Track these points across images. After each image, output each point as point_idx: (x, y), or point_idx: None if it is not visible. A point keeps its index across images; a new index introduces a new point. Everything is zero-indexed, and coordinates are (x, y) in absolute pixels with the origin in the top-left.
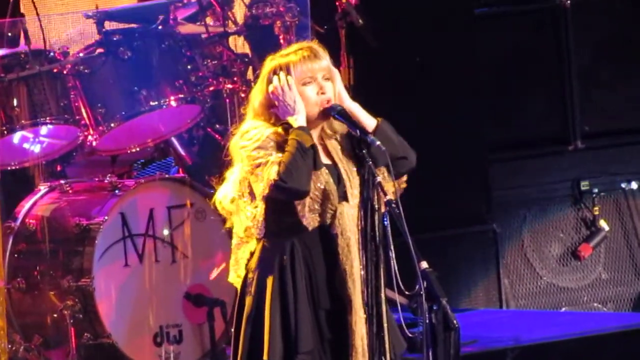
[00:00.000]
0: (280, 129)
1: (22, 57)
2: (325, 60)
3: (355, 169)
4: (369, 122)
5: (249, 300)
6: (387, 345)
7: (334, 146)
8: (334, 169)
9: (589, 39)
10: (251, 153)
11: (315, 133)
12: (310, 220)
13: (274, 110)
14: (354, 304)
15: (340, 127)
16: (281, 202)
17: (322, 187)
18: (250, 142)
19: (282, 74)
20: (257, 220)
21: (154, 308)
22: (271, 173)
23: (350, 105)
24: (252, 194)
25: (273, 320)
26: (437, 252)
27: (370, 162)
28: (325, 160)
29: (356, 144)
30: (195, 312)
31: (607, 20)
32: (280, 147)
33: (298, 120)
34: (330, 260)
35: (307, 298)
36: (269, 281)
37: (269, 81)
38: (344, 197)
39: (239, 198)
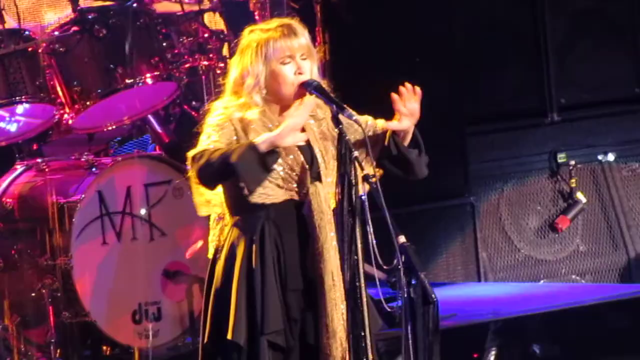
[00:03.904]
0: (250, 113)
1: None
2: (304, 37)
3: (333, 149)
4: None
5: (217, 275)
6: (366, 321)
7: (310, 126)
8: (307, 149)
9: (564, 11)
10: (205, 132)
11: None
12: (274, 198)
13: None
14: (325, 284)
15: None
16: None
17: (295, 167)
18: (211, 121)
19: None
20: (219, 198)
21: (133, 286)
22: (201, 160)
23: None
24: None
25: (239, 301)
26: (415, 226)
27: (347, 137)
28: (300, 138)
29: (333, 120)
30: (174, 289)
31: None
32: (243, 131)
33: (262, 140)
34: (302, 240)
35: (275, 279)
36: (237, 260)
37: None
38: (317, 177)
39: None
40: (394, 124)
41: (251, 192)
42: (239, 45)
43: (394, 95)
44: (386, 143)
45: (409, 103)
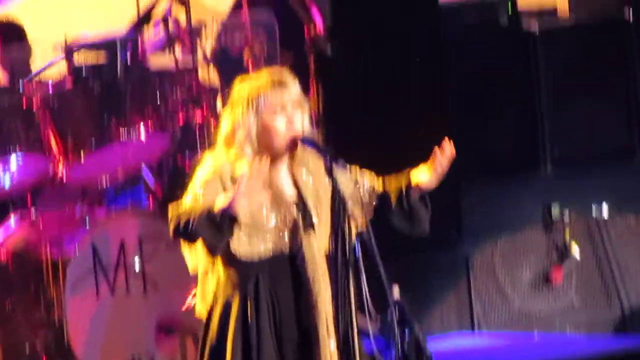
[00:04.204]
0: (240, 165)
1: None
2: (295, 88)
3: (326, 200)
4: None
5: (212, 331)
6: None
7: (303, 178)
8: (300, 202)
9: (558, 65)
10: (191, 184)
11: (283, 164)
12: (264, 252)
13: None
14: (320, 334)
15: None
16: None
17: (288, 219)
18: (199, 174)
19: (264, 162)
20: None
21: (126, 339)
22: (172, 222)
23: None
24: None
25: (235, 357)
26: (408, 277)
27: (340, 189)
28: (292, 193)
29: (326, 171)
30: (167, 342)
31: (576, 45)
32: (233, 182)
33: (219, 206)
34: (296, 291)
35: (270, 330)
36: (232, 315)
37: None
38: (310, 228)
39: None
40: (425, 180)
41: (215, 255)
42: (230, 97)
43: (437, 150)
44: (396, 197)
45: (444, 160)
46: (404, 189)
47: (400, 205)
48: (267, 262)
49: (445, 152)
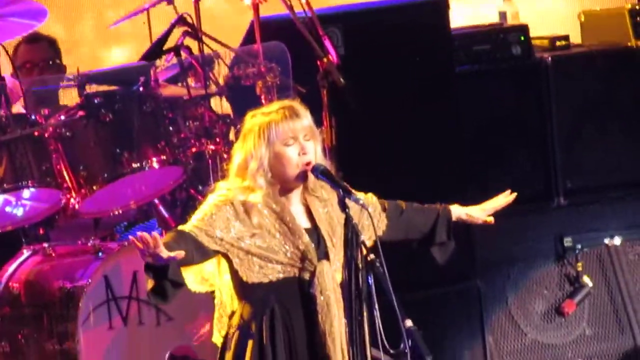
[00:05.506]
0: (253, 196)
1: (3, 121)
2: (306, 119)
3: (340, 230)
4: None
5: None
6: None
7: (317, 207)
8: (314, 231)
9: (570, 96)
10: (200, 208)
11: (297, 194)
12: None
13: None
14: None
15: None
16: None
17: (301, 248)
18: (211, 199)
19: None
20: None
21: None
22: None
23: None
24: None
25: None
26: (421, 310)
27: (354, 221)
28: (306, 222)
29: (340, 204)
30: None
31: (588, 77)
32: (246, 213)
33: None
34: (309, 321)
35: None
36: (249, 345)
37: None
38: (324, 256)
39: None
40: (480, 217)
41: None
42: (242, 130)
43: (507, 196)
44: (446, 230)
45: (499, 207)
46: (450, 222)
47: (448, 237)
48: (280, 291)
49: (506, 201)
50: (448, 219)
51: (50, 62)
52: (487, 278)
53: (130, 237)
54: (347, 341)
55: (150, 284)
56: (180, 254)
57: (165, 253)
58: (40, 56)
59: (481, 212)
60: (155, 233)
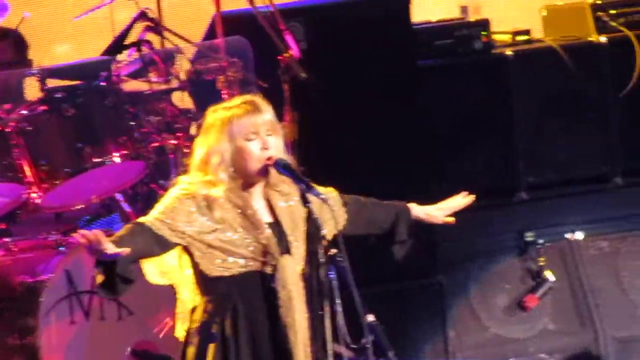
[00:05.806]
0: (215, 190)
1: None
2: (268, 113)
3: (302, 224)
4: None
5: (190, 354)
6: None
7: (278, 201)
8: (275, 225)
9: (532, 90)
10: (161, 201)
11: (258, 188)
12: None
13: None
14: (296, 357)
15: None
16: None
17: (263, 242)
18: (173, 192)
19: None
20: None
21: None
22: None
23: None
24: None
25: None
26: (383, 305)
27: (315, 216)
28: (267, 216)
29: (301, 199)
30: None
31: (550, 72)
32: (208, 208)
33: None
34: (272, 315)
35: (249, 354)
36: (211, 346)
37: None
38: (286, 250)
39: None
40: (439, 217)
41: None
42: (203, 124)
43: (465, 197)
44: (407, 228)
45: (458, 207)
46: (411, 221)
47: (408, 236)
48: (242, 285)
49: (464, 202)
50: (408, 217)
51: (16, 62)
52: (449, 272)
53: (73, 234)
54: (309, 335)
55: (99, 278)
56: (125, 250)
57: (110, 249)
58: (4, 57)
59: (439, 212)
60: (96, 230)
